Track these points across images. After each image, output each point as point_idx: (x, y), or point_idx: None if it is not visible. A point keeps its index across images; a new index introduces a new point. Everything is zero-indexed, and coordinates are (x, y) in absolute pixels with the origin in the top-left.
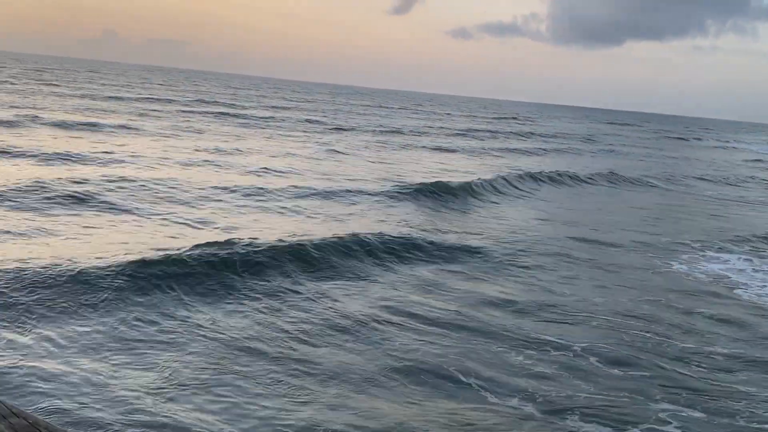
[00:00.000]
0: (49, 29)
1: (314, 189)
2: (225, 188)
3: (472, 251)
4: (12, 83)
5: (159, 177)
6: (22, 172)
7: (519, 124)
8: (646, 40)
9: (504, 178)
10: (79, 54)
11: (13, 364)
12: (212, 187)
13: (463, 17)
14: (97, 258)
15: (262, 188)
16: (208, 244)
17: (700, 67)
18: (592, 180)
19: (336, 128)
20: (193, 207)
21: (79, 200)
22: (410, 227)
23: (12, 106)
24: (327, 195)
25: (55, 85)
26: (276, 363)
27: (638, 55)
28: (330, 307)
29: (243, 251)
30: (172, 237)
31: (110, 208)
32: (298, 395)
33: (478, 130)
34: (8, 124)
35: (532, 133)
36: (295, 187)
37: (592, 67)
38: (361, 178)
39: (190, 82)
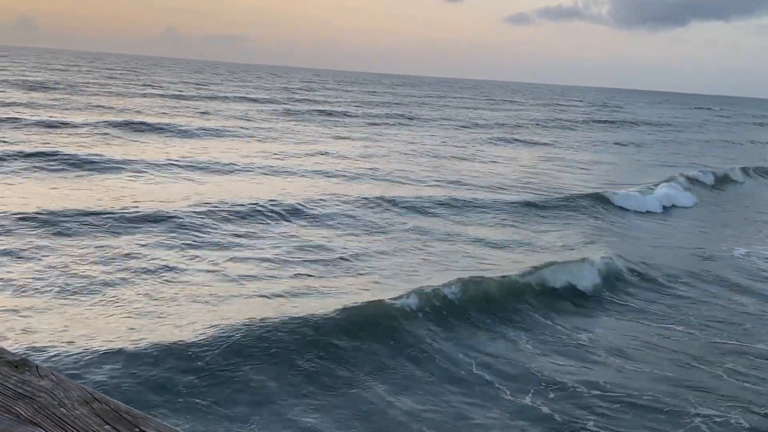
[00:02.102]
0: (110, 27)
1: (455, 198)
2: (380, 201)
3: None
4: (92, 83)
5: (320, 191)
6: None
7: (615, 112)
8: (710, 20)
9: (670, 184)
10: (141, 51)
11: None
12: (358, 202)
13: (522, 2)
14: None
15: (412, 198)
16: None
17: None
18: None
19: (427, 122)
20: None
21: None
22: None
23: (114, 109)
24: (470, 205)
25: (137, 84)
26: None
27: (703, 35)
28: None
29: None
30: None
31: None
32: None
33: (573, 121)
34: (126, 128)
35: (632, 122)
36: (449, 197)
37: (656, 49)
38: (494, 185)
39: (255, 76)
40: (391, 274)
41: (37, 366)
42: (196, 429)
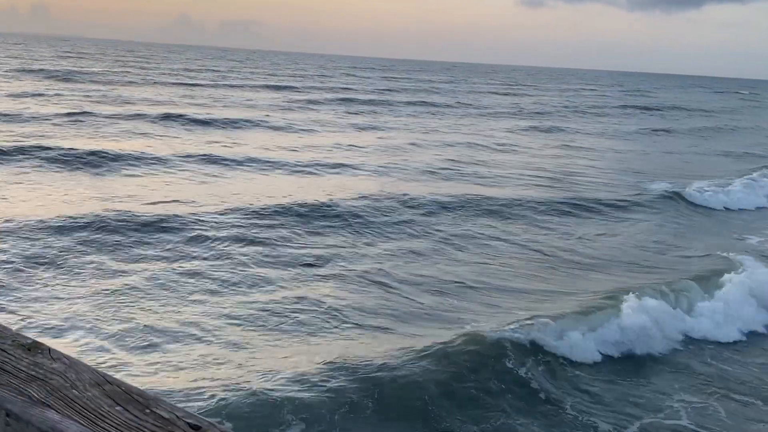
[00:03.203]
0: (122, 14)
1: (515, 198)
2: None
3: None
4: (109, 72)
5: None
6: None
7: (643, 96)
8: (726, 1)
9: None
10: (154, 38)
11: None
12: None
13: None
14: None
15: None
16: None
17: None
18: None
19: (450, 108)
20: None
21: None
22: None
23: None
24: (529, 205)
25: (158, 73)
26: None
27: (719, 17)
28: None
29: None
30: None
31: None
32: None
33: (603, 106)
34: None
35: (669, 107)
36: (503, 196)
37: (671, 32)
38: (536, 178)
39: (271, 63)
40: (473, 296)
41: (49, 349)
42: None
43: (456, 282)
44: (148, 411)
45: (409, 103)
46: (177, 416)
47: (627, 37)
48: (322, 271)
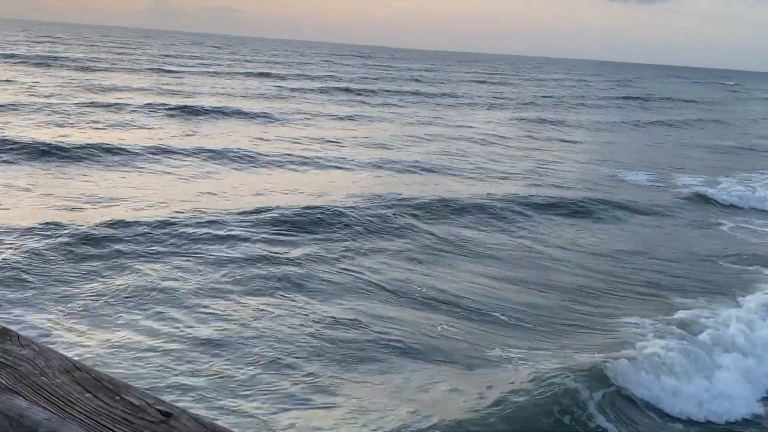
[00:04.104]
0: None
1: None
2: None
3: None
4: (98, 58)
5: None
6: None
7: (627, 87)
8: None
9: None
10: (130, 23)
11: None
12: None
13: None
14: None
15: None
16: None
17: None
18: None
19: (459, 102)
20: None
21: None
22: None
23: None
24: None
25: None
26: None
27: (697, 7)
28: None
29: None
30: None
31: None
32: None
33: (595, 97)
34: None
35: (659, 98)
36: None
37: (648, 22)
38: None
39: (252, 50)
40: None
41: (18, 335)
42: None
43: (489, 302)
44: (118, 398)
45: (390, 92)
46: (148, 403)
47: (605, 28)
48: (303, 277)
